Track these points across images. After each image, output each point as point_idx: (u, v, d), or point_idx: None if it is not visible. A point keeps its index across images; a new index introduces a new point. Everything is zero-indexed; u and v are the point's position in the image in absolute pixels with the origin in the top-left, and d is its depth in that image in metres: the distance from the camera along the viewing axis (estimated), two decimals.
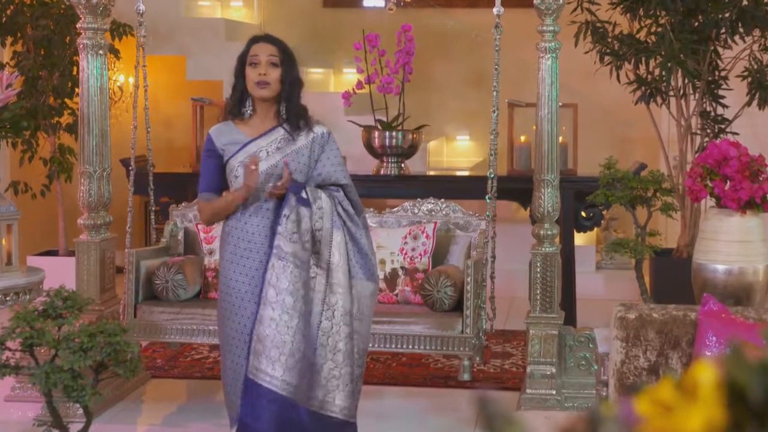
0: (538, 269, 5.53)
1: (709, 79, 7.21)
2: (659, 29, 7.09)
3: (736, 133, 6.95)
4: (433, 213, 5.99)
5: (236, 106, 4.26)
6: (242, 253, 4.14)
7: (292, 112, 4.23)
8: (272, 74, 4.18)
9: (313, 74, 9.73)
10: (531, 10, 5.59)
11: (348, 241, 4.22)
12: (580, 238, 8.40)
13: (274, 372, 4.04)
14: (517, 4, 7.15)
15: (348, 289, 4.18)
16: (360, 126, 7.44)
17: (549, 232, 5.54)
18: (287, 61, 4.23)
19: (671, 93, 7.28)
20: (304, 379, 4.10)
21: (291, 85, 4.22)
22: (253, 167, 4.07)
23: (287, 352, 4.03)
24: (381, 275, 5.58)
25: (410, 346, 5.51)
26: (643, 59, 7.18)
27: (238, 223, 4.17)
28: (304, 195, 4.14)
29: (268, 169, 4.16)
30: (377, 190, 7.41)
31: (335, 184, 4.27)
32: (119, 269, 6.25)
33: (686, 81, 7.20)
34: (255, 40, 4.27)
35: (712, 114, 7.29)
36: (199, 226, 5.99)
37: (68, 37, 7.91)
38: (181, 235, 6.21)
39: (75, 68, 7.95)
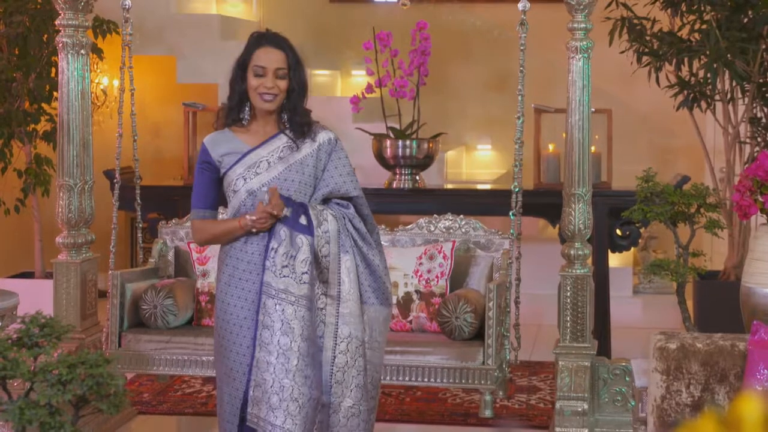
0: (568, 293, 5.53)
1: (760, 81, 7.21)
2: (704, 26, 7.10)
3: None
4: (451, 231, 6.00)
5: (234, 111, 4.25)
6: (241, 275, 4.14)
7: (296, 118, 4.23)
8: (279, 85, 4.18)
9: (318, 76, 9.76)
10: (560, 6, 5.61)
11: (359, 264, 4.21)
12: (615, 259, 8.40)
13: (276, 420, 4.03)
14: None
15: (360, 317, 4.18)
16: (370, 134, 7.46)
17: (580, 252, 5.54)
18: (295, 66, 4.22)
19: (717, 97, 7.28)
20: (313, 424, 4.10)
21: (298, 92, 4.22)
22: (276, 212, 4.06)
23: (288, 398, 4.03)
24: (393, 299, 5.58)
25: (426, 379, 5.51)
26: (686, 60, 7.19)
27: (238, 243, 4.16)
28: (303, 221, 4.13)
29: (270, 181, 4.16)
30: (389, 205, 7.41)
31: (344, 197, 4.26)
32: (102, 293, 6.27)
33: (734, 84, 7.20)
34: (258, 42, 4.24)
35: (763, 120, 7.29)
36: (192, 245, 6.00)
37: (46, 35, 7.95)
38: (171, 255, 6.22)
39: (53, 70, 7.99)
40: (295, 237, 4.09)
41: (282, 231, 4.08)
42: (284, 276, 4.06)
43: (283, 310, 4.05)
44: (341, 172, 4.25)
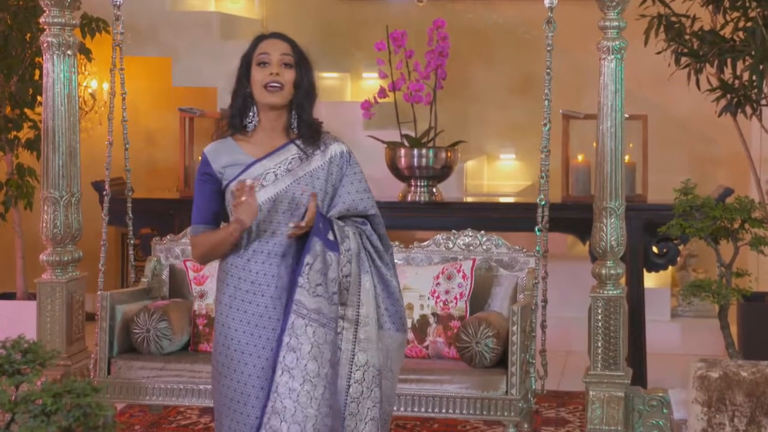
0: (600, 317, 5.52)
1: None
2: (749, 24, 7.09)
3: None
4: (471, 248, 5.99)
5: (237, 117, 4.24)
6: (244, 296, 4.13)
7: (306, 125, 4.22)
8: (285, 75, 4.17)
9: (326, 80, 9.76)
10: (590, 3, 5.61)
11: (377, 285, 4.20)
12: (650, 279, 8.38)
13: None
14: None
15: (377, 344, 4.17)
16: (383, 142, 7.46)
17: (613, 272, 5.53)
18: (302, 62, 4.23)
19: (763, 102, 7.28)
20: None
21: (306, 92, 4.22)
22: (244, 198, 4.04)
23: (311, 429, 4.01)
24: (408, 323, 5.57)
25: (444, 410, 5.50)
26: (729, 61, 7.17)
27: (240, 260, 4.16)
28: (330, 237, 4.13)
29: (276, 195, 4.15)
30: (404, 220, 7.41)
31: (361, 215, 4.26)
32: (90, 316, 6.27)
33: None
34: (263, 36, 4.28)
35: None
36: (188, 264, 6.00)
37: (29, 34, 7.97)
38: (165, 274, 6.23)
39: (37, 72, 8.01)
40: (325, 253, 4.10)
41: (318, 245, 4.08)
42: (318, 295, 4.05)
43: (314, 332, 4.04)
44: (357, 188, 4.25)
